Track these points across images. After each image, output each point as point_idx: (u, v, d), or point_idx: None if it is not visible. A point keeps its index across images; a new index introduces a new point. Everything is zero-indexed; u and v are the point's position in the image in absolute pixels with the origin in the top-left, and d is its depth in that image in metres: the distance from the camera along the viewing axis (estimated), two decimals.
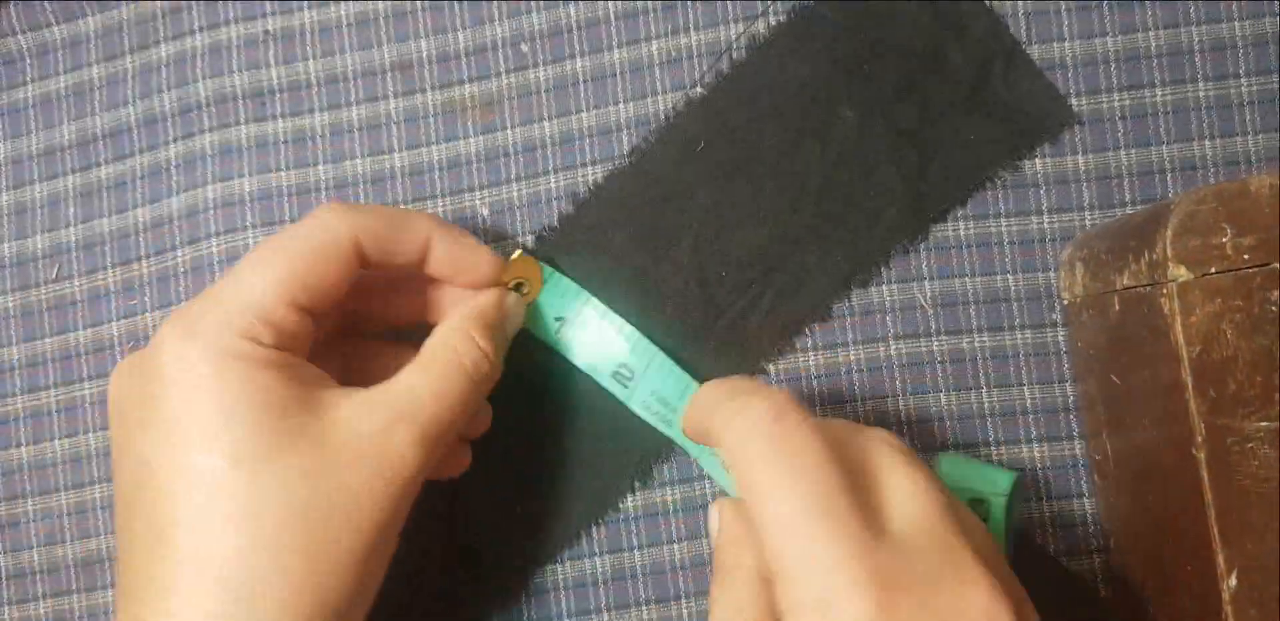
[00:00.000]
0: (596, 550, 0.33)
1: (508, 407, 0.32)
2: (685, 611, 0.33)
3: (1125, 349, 0.28)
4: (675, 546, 0.33)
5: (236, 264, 0.27)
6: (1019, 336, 0.33)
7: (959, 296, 0.33)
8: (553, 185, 0.34)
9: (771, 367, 0.33)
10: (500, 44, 0.34)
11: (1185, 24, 0.33)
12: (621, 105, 0.34)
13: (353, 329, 0.31)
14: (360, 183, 0.34)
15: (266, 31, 0.35)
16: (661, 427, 0.31)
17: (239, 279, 0.26)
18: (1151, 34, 0.33)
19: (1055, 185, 0.33)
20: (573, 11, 0.34)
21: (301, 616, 0.24)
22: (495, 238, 0.34)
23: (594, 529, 0.33)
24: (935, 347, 0.33)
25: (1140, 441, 0.28)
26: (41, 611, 0.34)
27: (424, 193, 0.34)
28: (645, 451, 0.33)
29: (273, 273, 0.26)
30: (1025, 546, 0.32)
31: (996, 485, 0.29)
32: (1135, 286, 0.27)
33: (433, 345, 0.28)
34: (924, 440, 0.33)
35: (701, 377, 0.32)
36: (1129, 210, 0.32)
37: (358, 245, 0.27)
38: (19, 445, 0.35)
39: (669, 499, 0.33)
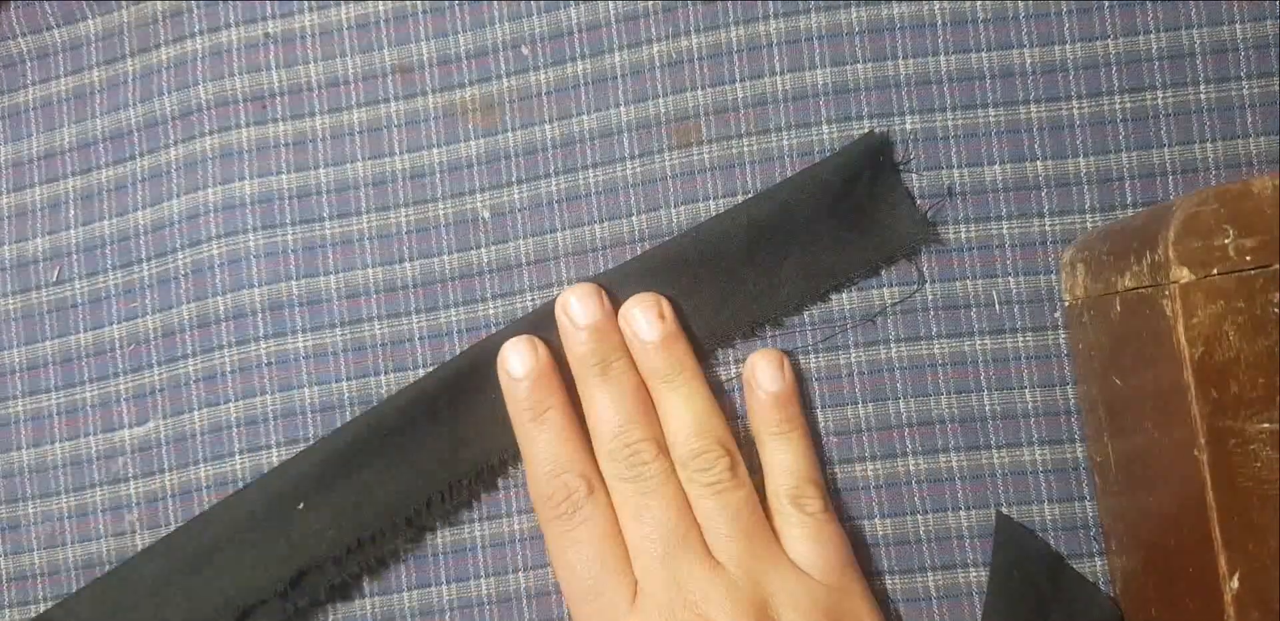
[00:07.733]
0: None
1: None
2: None
3: (1127, 351, 0.28)
4: None
5: None
6: (1020, 339, 0.33)
7: (960, 299, 0.33)
8: (554, 188, 0.34)
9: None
10: (501, 47, 0.34)
11: (1186, 26, 0.33)
12: (622, 108, 0.34)
13: None
14: (361, 186, 0.34)
15: (267, 34, 0.35)
16: None
17: None
18: (1153, 36, 0.33)
19: (1057, 187, 0.33)
20: (573, 14, 0.34)
21: None
22: (497, 241, 0.34)
23: None
24: (936, 350, 0.33)
25: (1142, 443, 0.28)
26: None
27: (425, 196, 0.34)
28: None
29: None
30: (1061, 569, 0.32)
31: None
32: (1137, 288, 0.27)
33: None
34: (925, 443, 0.32)
35: None
36: (1130, 212, 0.32)
37: None
38: (19, 448, 0.35)
39: None
